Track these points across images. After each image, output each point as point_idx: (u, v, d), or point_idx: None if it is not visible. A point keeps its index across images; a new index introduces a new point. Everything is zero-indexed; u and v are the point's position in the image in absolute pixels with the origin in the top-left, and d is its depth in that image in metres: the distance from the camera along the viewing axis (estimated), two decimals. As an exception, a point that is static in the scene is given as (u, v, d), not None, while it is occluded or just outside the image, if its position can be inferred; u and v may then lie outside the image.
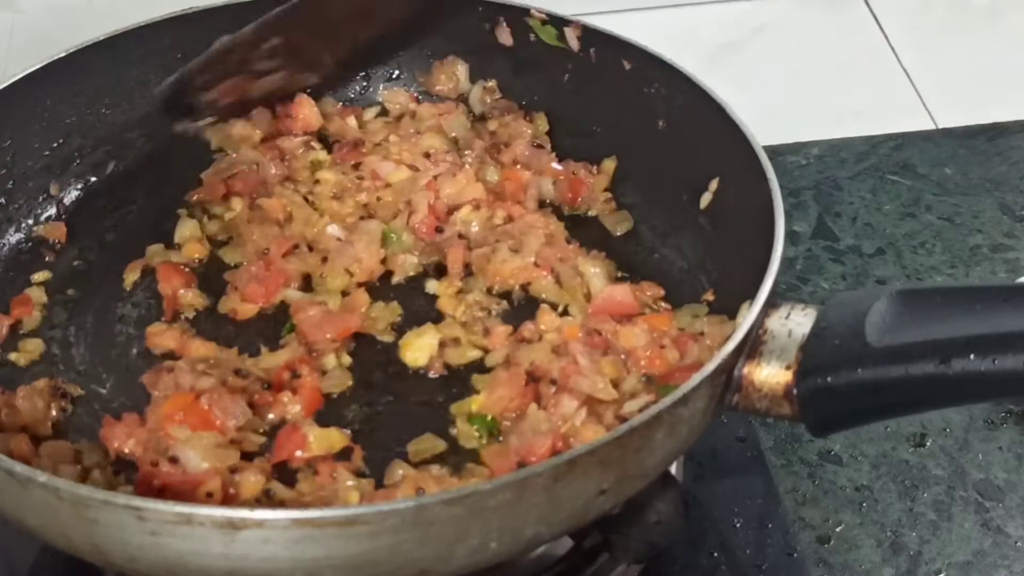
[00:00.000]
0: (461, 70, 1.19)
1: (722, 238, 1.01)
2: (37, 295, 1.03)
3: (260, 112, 1.16)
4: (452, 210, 1.09)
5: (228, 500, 0.84)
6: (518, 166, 1.13)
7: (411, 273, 1.05)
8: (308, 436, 0.89)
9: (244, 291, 1.02)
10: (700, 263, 1.03)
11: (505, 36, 1.16)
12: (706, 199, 1.04)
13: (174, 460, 0.85)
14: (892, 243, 1.31)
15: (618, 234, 1.09)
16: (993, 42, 1.58)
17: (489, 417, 0.91)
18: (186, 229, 1.08)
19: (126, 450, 0.89)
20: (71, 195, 1.11)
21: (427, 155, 1.13)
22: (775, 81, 1.50)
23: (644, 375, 0.92)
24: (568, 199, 1.11)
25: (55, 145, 1.10)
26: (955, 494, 1.06)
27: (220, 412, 0.89)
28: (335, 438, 0.90)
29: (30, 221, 1.08)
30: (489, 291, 1.03)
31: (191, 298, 1.02)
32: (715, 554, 0.99)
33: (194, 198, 1.11)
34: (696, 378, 0.79)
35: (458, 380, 0.96)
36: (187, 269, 1.05)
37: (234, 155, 1.13)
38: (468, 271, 1.05)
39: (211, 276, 1.05)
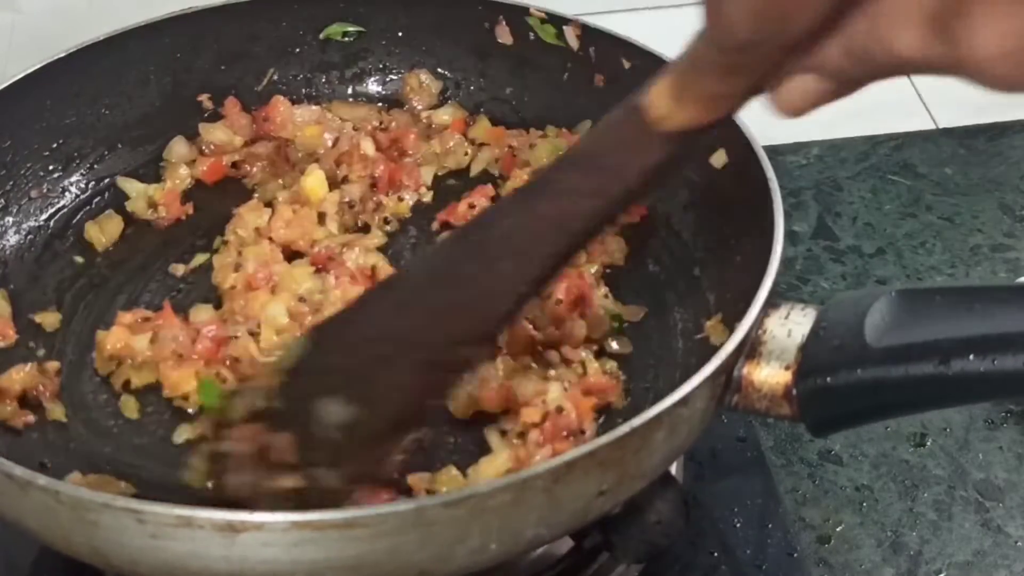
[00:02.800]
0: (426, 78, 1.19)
1: (722, 238, 1.01)
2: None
3: (240, 116, 1.16)
4: None
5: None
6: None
7: None
8: None
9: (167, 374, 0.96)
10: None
11: (504, 35, 1.16)
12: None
13: None
14: (892, 243, 1.31)
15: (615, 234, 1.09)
16: (993, 41, 1.58)
17: None
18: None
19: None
20: (71, 195, 1.11)
21: None
22: (775, 80, 1.50)
23: None
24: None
25: (55, 145, 1.10)
26: (955, 494, 1.06)
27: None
28: None
29: (30, 222, 1.08)
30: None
31: None
32: (715, 554, 0.99)
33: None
34: (696, 378, 0.79)
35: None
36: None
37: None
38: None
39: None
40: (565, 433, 0.88)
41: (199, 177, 1.13)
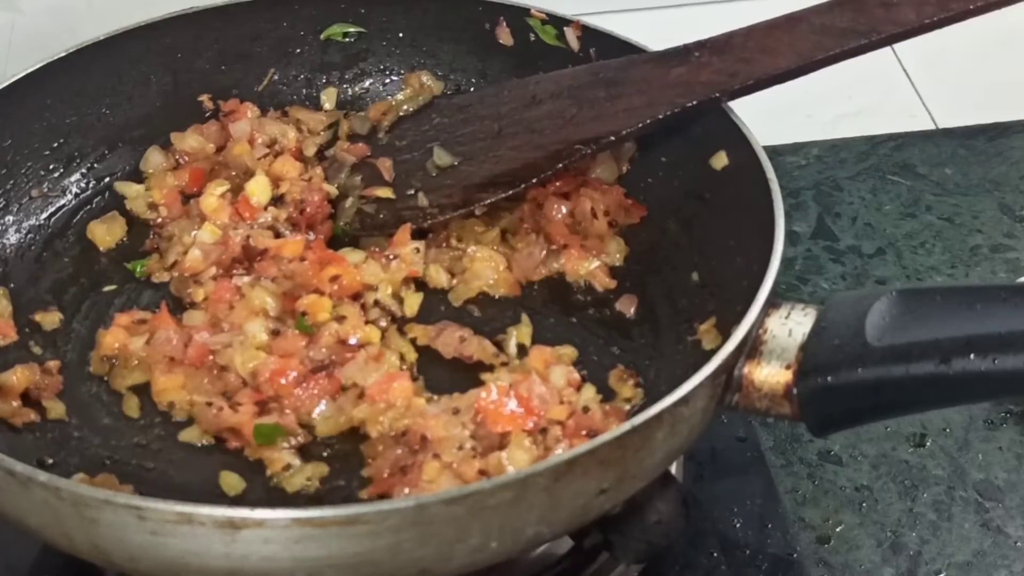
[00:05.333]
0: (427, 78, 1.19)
1: (722, 238, 1.01)
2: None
3: (210, 123, 1.15)
4: None
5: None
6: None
7: None
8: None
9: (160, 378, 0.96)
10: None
11: (505, 36, 1.16)
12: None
13: None
14: (892, 243, 1.31)
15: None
16: (993, 42, 1.58)
17: None
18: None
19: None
20: (72, 194, 1.11)
21: None
22: (775, 81, 1.50)
23: None
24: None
25: (55, 145, 1.10)
26: (955, 494, 1.06)
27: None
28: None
29: (31, 221, 1.08)
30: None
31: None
32: (715, 554, 0.99)
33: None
34: (697, 377, 0.79)
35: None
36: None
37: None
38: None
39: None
40: (585, 432, 0.88)
41: (184, 188, 1.11)
